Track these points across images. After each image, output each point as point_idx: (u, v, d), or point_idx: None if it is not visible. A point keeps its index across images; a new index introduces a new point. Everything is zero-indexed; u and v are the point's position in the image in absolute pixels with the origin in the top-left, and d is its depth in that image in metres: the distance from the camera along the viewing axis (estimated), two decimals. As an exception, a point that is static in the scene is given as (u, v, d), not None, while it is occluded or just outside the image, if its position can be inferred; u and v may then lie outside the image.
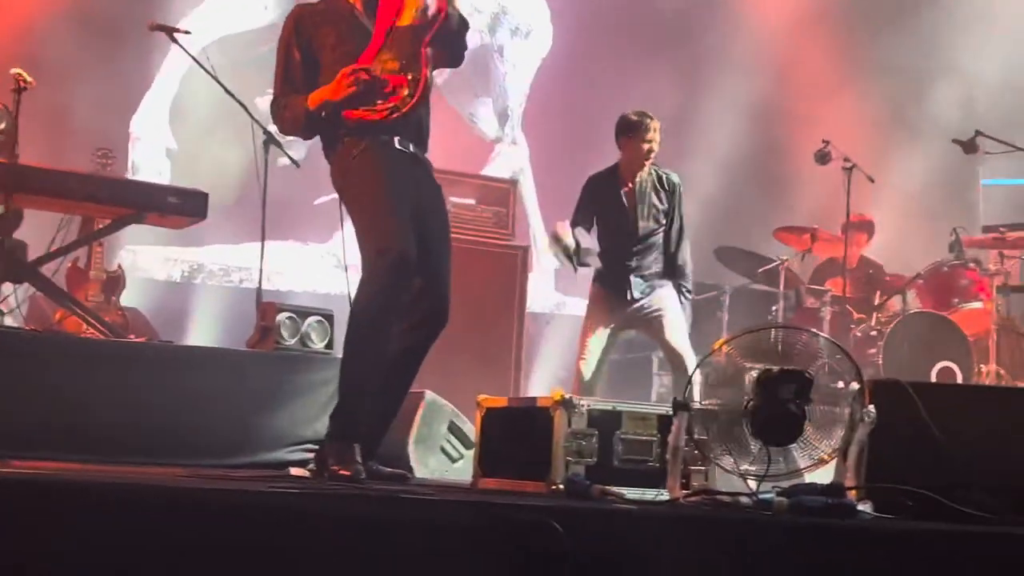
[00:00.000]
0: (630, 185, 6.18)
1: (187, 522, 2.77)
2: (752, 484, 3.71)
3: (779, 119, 10.36)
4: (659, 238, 6.19)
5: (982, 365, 7.77)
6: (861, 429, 3.73)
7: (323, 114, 4.42)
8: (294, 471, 4.94)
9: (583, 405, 4.12)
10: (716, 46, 10.27)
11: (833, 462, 3.78)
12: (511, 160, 10.13)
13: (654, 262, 6.18)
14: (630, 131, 6.13)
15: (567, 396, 4.09)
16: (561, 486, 4.02)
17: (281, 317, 5.54)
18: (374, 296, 4.28)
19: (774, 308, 8.18)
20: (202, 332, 8.35)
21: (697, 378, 4.04)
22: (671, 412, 3.84)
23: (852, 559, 3.14)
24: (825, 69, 10.46)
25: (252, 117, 6.13)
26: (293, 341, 5.55)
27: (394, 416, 4.61)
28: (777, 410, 3.66)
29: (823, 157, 7.87)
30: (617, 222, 6.17)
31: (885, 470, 3.74)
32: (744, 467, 3.72)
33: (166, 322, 7.75)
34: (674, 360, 6.12)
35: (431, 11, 4.35)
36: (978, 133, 7.67)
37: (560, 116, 10.12)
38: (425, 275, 4.41)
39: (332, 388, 4.48)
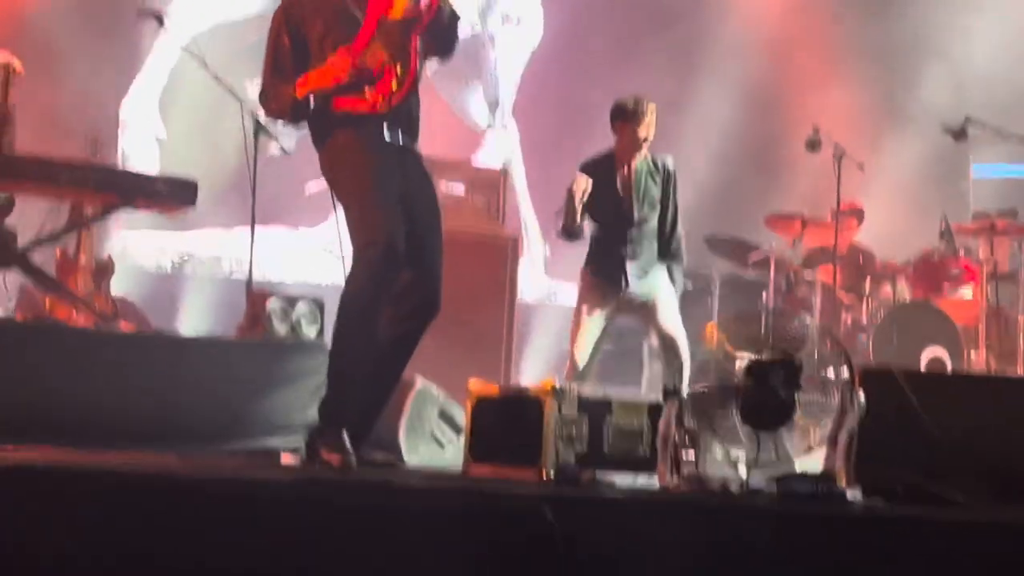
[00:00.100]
0: (626, 171, 6.14)
1: (179, 508, 2.79)
2: (742, 470, 3.72)
3: (769, 106, 10.33)
4: (654, 224, 6.15)
5: (971, 352, 7.79)
6: (850, 416, 3.74)
7: (311, 103, 4.42)
8: (285, 458, 4.96)
9: (573, 393, 4.13)
10: (706, 33, 10.24)
11: (822, 449, 3.79)
12: (501, 148, 10.10)
13: (648, 248, 6.13)
14: (626, 116, 6.06)
15: (558, 384, 4.10)
16: (551, 473, 4.03)
17: (271, 304, 5.54)
18: (362, 287, 4.29)
19: (764, 295, 8.19)
20: (193, 321, 8.34)
21: (687, 364, 4.05)
22: (661, 400, 3.85)
23: (841, 545, 3.15)
24: (816, 56, 10.45)
25: (242, 105, 6.12)
26: (283, 328, 5.54)
27: (385, 404, 4.63)
28: (766, 396, 3.68)
29: (813, 144, 7.86)
30: (612, 208, 6.13)
31: (874, 457, 3.75)
32: (734, 453, 3.73)
33: (157, 311, 7.74)
34: (666, 344, 6.08)
35: (423, 3, 4.35)
36: (968, 120, 7.66)
37: (551, 103, 10.09)
38: (415, 265, 4.41)
39: (322, 375, 4.49)
